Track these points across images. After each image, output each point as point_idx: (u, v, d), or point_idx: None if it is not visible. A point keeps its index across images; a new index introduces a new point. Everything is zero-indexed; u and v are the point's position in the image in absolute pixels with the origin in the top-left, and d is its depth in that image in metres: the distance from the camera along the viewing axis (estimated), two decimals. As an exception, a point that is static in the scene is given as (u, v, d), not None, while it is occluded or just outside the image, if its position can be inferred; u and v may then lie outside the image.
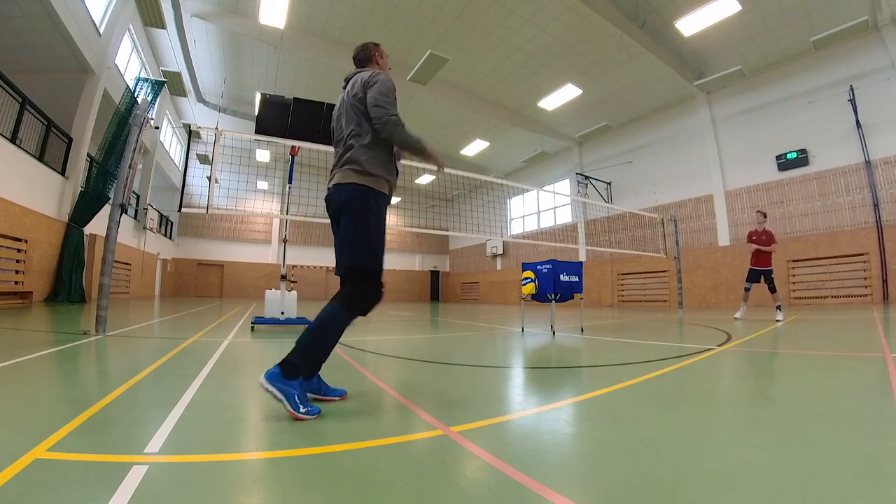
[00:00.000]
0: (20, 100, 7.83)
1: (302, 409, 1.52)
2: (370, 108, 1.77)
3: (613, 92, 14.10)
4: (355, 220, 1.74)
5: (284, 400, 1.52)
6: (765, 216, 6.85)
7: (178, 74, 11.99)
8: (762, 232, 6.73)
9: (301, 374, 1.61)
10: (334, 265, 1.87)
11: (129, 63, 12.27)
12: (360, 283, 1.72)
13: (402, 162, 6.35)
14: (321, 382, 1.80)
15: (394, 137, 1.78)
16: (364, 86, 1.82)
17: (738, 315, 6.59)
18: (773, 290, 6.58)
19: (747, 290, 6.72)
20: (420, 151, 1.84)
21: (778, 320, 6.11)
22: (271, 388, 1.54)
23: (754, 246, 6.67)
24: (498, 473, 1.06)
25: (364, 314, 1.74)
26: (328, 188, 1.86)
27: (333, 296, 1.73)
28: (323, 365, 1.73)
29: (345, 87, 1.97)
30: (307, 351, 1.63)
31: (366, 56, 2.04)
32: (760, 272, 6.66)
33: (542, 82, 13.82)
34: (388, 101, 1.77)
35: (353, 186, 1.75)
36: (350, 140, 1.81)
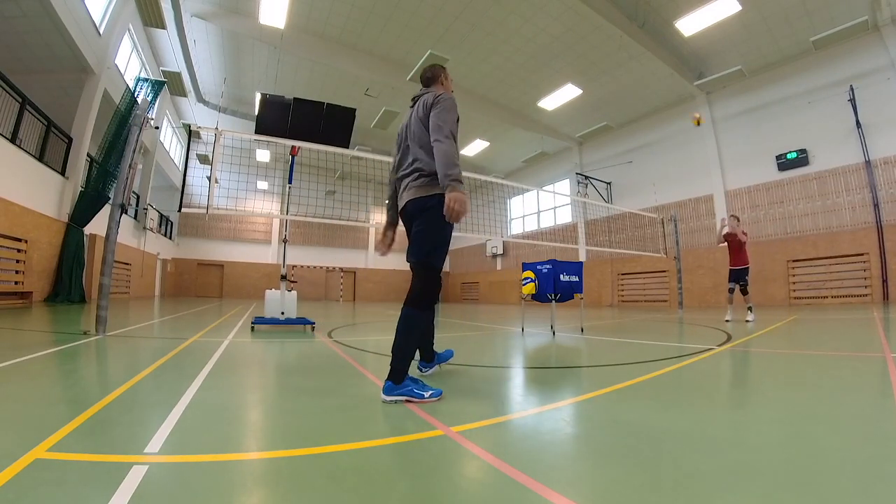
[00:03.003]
0: (20, 100, 7.83)
1: (426, 395, 1.78)
2: (432, 126, 1.89)
3: (613, 92, 14.10)
4: (426, 222, 1.91)
5: (411, 398, 1.77)
6: (738, 220, 6.99)
7: (178, 74, 12.00)
8: (735, 234, 6.89)
9: (406, 375, 1.81)
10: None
11: (129, 63, 12.26)
12: (426, 278, 1.90)
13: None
14: (437, 356, 2.39)
15: (437, 155, 1.86)
16: (427, 107, 1.96)
17: (728, 317, 6.58)
18: (744, 291, 6.72)
19: (731, 290, 6.84)
20: (446, 178, 1.81)
21: (748, 320, 6.23)
22: (394, 398, 1.77)
23: (725, 230, 6.97)
24: (498, 473, 1.06)
25: (428, 310, 1.94)
26: (404, 202, 2.01)
27: (406, 298, 1.89)
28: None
29: (412, 107, 2.11)
30: (402, 357, 1.81)
31: (433, 76, 2.19)
32: (737, 272, 6.78)
33: (542, 82, 13.83)
34: (448, 123, 1.89)
35: (432, 198, 1.91)
36: (419, 158, 1.98)
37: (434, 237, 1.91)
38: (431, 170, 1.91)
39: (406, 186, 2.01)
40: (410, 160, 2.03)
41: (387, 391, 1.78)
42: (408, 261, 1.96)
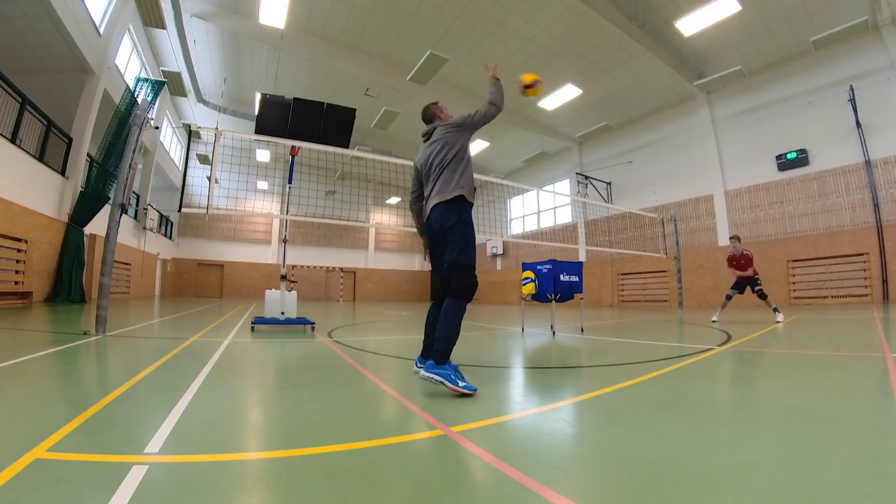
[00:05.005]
0: (20, 100, 7.83)
1: (461, 384, 1.87)
2: (469, 122, 2.36)
3: (613, 92, 14.10)
4: (454, 229, 2.19)
5: (445, 381, 1.88)
6: (739, 240, 6.78)
7: (178, 74, 11.99)
8: (740, 256, 6.66)
9: (448, 359, 1.99)
10: (434, 269, 2.43)
11: (129, 63, 12.26)
12: (466, 275, 2.13)
13: (402, 161, 6.29)
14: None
15: (490, 114, 2.36)
16: (445, 128, 2.37)
17: (715, 318, 6.40)
18: (762, 296, 6.46)
19: (729, 297, 6.64)
20: (499, 92, 2.34)
21: (778, 321, 5.96)
22: (432, 375, 1.91)
23: (736, 273, 6.71)
24: (498, 473, 1.06)
25: (470, 300, 2.15)
26: (429, 210, 2.31)
27: (450, 292, 2.14)
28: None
29: (426, 140, 2.51)
30: (448, 342, 2.01)
31: (431, 116, 2.57)
32: (745, 283, 6.59)
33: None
34: (468, 114, 2.35)
35: (455, 201, 2.22)
36: (444, 170, 2.29)
37: (459, 241, 2.18)
38: (448, 181, 2.25)
39: (429, 200, 2.33)
40: (436, 181, 2.31)
41: (428, 369, 1.94)
42: (444, 265, 2.26)
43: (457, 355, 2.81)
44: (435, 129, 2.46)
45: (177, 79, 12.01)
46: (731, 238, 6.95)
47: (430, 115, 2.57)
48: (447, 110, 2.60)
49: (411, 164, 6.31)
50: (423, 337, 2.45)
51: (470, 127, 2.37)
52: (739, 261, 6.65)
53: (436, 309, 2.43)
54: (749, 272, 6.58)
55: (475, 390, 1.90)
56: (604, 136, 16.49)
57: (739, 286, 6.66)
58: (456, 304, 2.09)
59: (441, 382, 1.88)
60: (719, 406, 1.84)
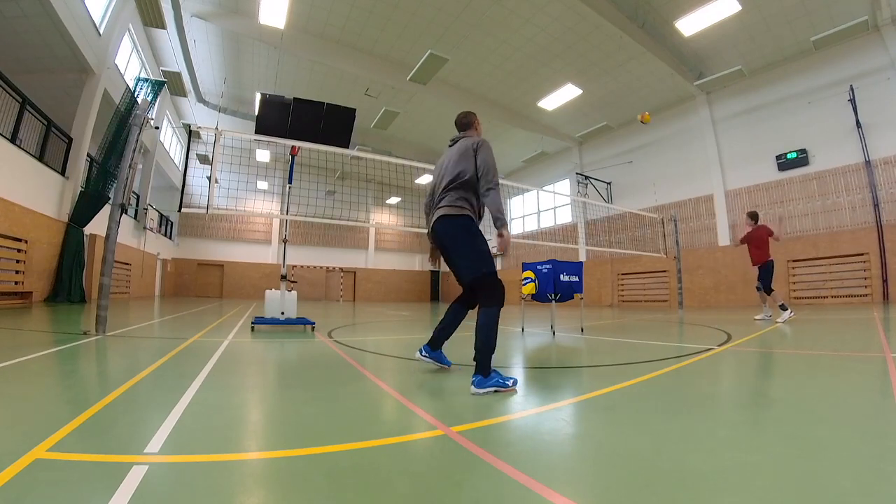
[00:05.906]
0: (20, 100, 7.82)
1: (510, 383, 1.99)
2: (482, 170, 2.22)
3: (613, 92, 14.10)
4: (467, 241, 2.20)
5: (499, 389, 1.96)
6: (754, 218, 6.70)
7: (178, 74, 11.98)
8: (759, 229, 6.61)
9: (491, 368, 2.02)
10: (456, 279, 2.37)
11: (129, 63, 12.26)
12: (490, 284, 2.14)
13: (402, 161, 6.32)
14: (441, 354, 2.50)
15: (488, 200, 2.20)
16: (474, 148, 2.28)
17: (759, 317, 6.23)
18: (768, 290, 6.33)
19: (758, 288, 6.51)
20: (498, 221, 2.18)
21: (777, 321, 5.84)
22: (484, 391, 1.94)
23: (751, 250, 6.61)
24: (498, 473, 1.06)
25: (503, 305, 2.16)
26: (434, 221, 2.32)
27: (480, 303, 2.17)
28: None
29: (450, 146, 2.47)
30: (488, 352, 2.04)
31: (468, 122, 2.51)
32: (761, 271, 6.44)
33: (542, 82, 13.82)
34: (494, 170, 2.23)
35: (461, 218, 2.22)
36: (455, 186, 2.27)
37: (477, 251, 2.20)
38: (461, 197, 2.25)
39: (435, 210, 2.34)
40: (446, 195, 2.30)
41: (478, 384, 1.96)
42: (461, 283, 2.33)
43: (457, 355, 2.82)
44: (462, 138, 2.42)
45: (177, 79, 12.00)
46: (747, 214, 6.78)
47: (468, 121, 2.52)
48: (481, 128, 2.61)
49: (411, 164, 6.33)
50: (417, 336, 2.45)
51: (478, 168, 2.29)
52: (754, 232, 6.57)
53: (457, 306, 2.51)
54: (758, 243, 6.47)
55: (517, 381, 2.05)
56: (604, 136, 16.49)
57: (761, 276, 6.49)
58: (491, 315, 2.10)
59: (495, 391, 1.95)
60: (719, 406, 1.84)
